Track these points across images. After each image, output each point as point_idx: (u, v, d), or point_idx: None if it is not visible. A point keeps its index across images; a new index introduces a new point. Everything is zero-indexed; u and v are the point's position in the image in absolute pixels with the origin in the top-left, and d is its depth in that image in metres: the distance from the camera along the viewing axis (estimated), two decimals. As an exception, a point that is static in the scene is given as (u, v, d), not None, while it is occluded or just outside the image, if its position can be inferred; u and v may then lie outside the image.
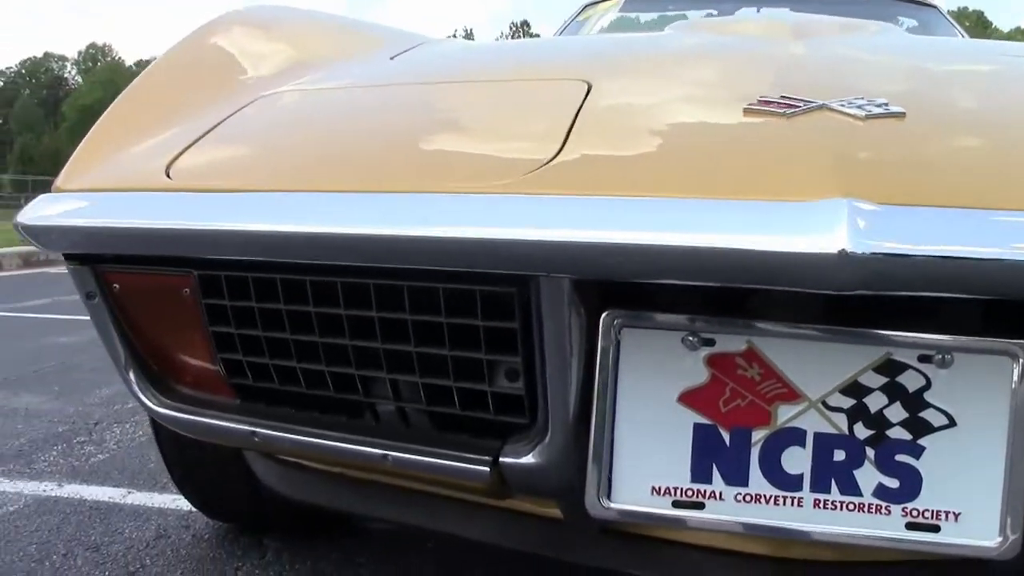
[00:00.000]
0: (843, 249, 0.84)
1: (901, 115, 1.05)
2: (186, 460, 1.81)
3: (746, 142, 1.03)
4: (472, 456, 1.12)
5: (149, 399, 1.32)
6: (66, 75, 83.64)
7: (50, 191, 1.28)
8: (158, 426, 1.80)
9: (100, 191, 1.23)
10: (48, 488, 2.31)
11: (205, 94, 1.46)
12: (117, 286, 1.27)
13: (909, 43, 1.79)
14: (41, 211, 1.24)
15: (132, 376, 1.32)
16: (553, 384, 1.04)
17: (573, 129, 1.08)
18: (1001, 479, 0.99)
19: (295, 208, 1.08)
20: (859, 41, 1.59)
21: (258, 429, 1.25)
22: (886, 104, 1.06)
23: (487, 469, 1.11)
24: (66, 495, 2.27)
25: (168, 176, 1.20)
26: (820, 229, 0.85)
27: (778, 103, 1.07)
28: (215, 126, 1.31)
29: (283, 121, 1.35)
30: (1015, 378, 0.97)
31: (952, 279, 0.87)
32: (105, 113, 1.41)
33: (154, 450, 2.54)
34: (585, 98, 1.18)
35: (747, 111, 1.07)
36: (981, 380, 0.99)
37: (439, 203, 1.00)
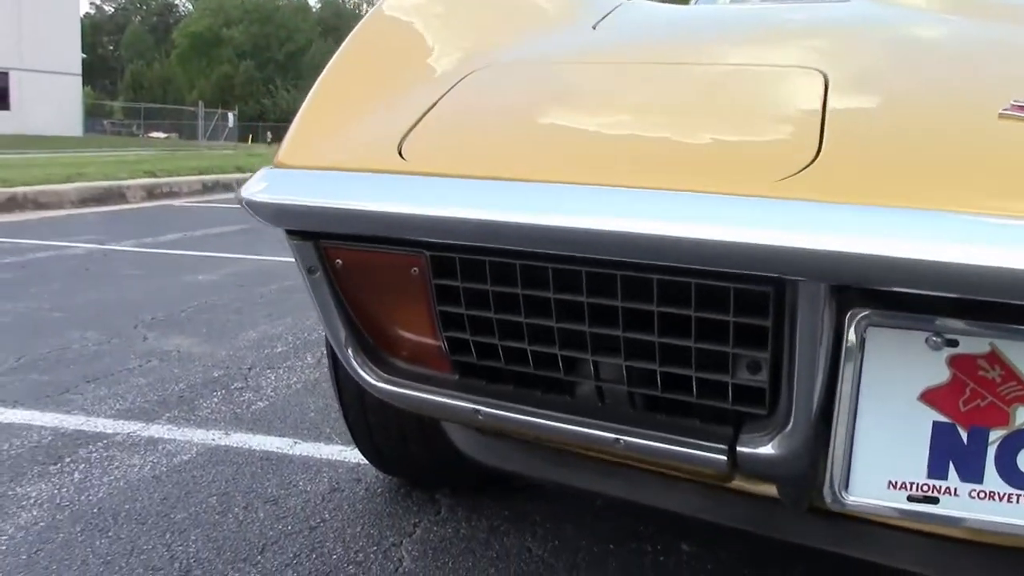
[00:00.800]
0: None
1: None
2: (368, 421, 1.88)
3: (1007, 152, 1.04)
4: (708, 444, 1.16)
5: (368, 374, 1.37)
6: (176, 2, 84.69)
7: (272, 165, 1.31)
8: (341, 387, 1.87)
9: (332, 169, 1.25)
10: (216, 437, 2.41)
11: (412, 67, 1.47)
12: (340, 262, 1.29)
13: None
14: (266, 187, 1.25)
15: (350, 351, 1.36)
16: (801, 378, 1.07)
17: (825, 129, 1.09)
18: None
19: (541, 199, 1.09)
20: None
21: (481, 408, 1.30)
22: None
23: (724, 457, 1.14)
24: (234, 444, 2.36)
25: (402, 156, 1.22)
26: None
27: (1029, 107, 1.07)
28: (435, 103, 1.33)
29: (502, 100, 1.36)
30: None
31: None
32: (316, 87, 1.41)
33: (312, 399, 2.66)
34: (826, 93, 1.19)
35: (1003, 115, 1.08)
36: None
37: (702, 203, 1.02)
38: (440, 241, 1.17)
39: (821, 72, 1.24)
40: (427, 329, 1.31)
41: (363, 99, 1.40)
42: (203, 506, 1.99)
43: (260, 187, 1.26)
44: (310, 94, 1.41)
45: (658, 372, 1.16)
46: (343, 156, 1.26)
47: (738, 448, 1.13)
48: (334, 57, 1.47)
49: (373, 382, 1.36)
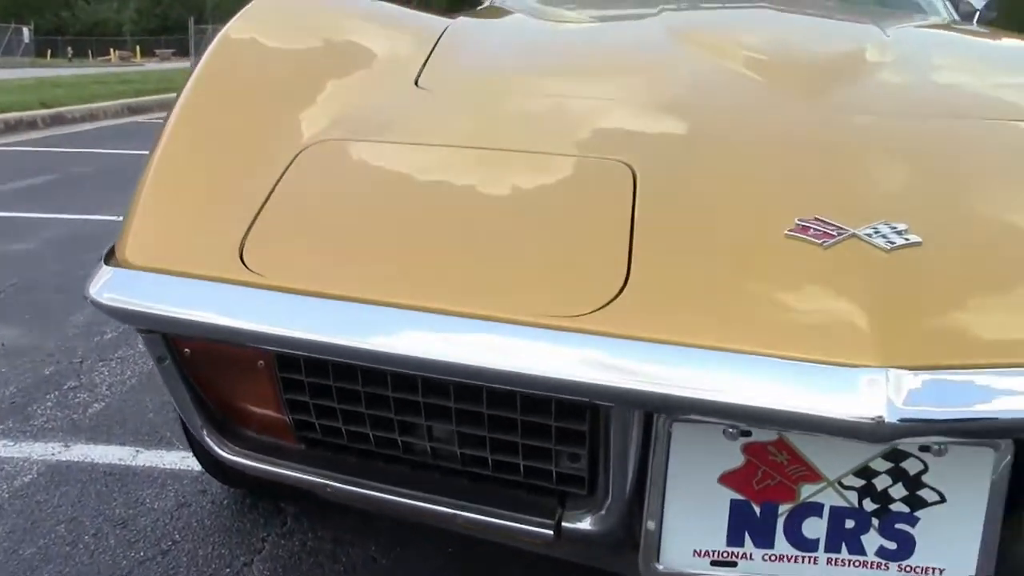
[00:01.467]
0: (880, 418, 1.03)
1: (919, 245, 1.22)
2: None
3: (790, 286, 1.19)
4: (537, 519, 1.31)
5: (221, 448, 1.46)
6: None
7: (115, 259, 1.36)
8: None
9: (177, 274, 1.32)
10: (56, 451, 2.42)
11: (242, 142, 1.54)
12: (188, 351, 1.38)
13: (916, 82, 1.88)
14: (112, 290, 1.31)
15: (204, 431, 1.45)
16: (615, 468, 1.23)
17: (632, 253, 1.23)
18: (977, 543, 1.22)
19: (375, 325, 1.20)
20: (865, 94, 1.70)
21: (329, 481, 1.41)
22: (905, 230, 1.23)
23: (550, 532, 1.30)
24: (76, 459, 2.39)
25: (243, 261, 1.29)
26: (862, 400, 1.03)
27: (814, 230, 1.23)
28: (268, 196, 1.40)
29: (328, 201, 1.44)
30: (994, 464, 1.18)
31: (968, 433, 1.08)
32: (150, 173, 1.45)
33: (149, 396, 2.69)
34: (634, 199, 1.32)
35: (788, 236, 1.23)
36: (968, 466, 1.19)
37: (519, 336, 1.14)
38: None
39: (630, 168, 1.37)
40: (274, 408, 1.40)
41: (198, 185, 1.46)
42: (52, 536, 2.03)
43: (107, 289, 1.32)
44: (145, 181, 1.45)
45: (489, 459, 1.29)
46: (187, 258, 1.33)
47: (563, 523, 1.29)
48: (163, 137, 1.50)
49: (226, 455, 1.46)
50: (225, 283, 1.27)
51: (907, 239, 1.20)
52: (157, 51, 32.66)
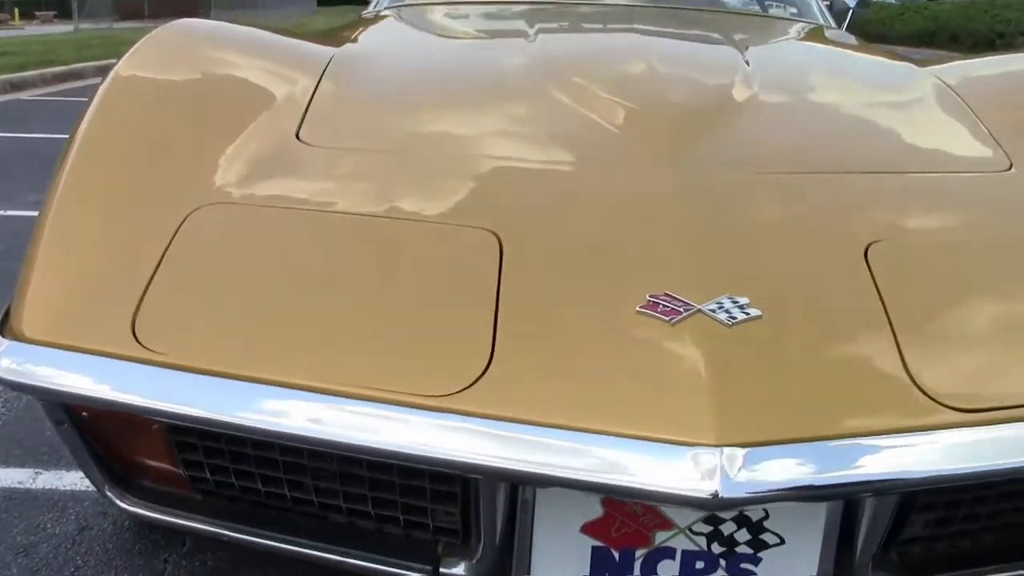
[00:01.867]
0: (716, 493, 1.15)
1: (760, 318, 1.34)
2: None
3: (639, 365, 1.30)
4: (417, 565, 1.42)
5: (122, 501, 1.54)
6: None
7: (12, 333, 1.43)
8: None
9: (68, 349, 1.39)
10: (-50, 474, 2.45)
11: (133, 200, 1.61)
12: (86, 415, 1.46)
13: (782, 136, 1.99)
14: (12, 365, 1.39)
15: (105, 486, 1.53)
16: (485, 523, 1.34)
17: (497, 331, 1.33)
18: (814, 577, 1.37)
19: (256, 403, 1.30)
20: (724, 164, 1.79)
21: (226, 531, 1.50)
22: (746, 304, 1.35)
23: None
24: (-27, 483, 2.41)
25: (135, 336, 1.37)
26: (700, 477, 1.15)
27: (663, 306, 1.34)
28: (159, 264, 1.47)
29: (218, 266, 1.51)
30: (827, 511, 1.32)
31: (794, 499, 1.21)
32: (41, 243, 1.52)
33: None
34: (500, 269, 1.42)
35: (639, 312, 1.34)
36: (804, 513, 1.33)
37: (389, 416, 1.25)
38: None
39: (497, 237, 1.46)
40: (170, 463, 1.49)
41: (88, 253, 1.53)
42: (-48, 571, 2.07)
43: (7, 364, 1.39)
44: (37, 248, 1.52)
45: (372, 513, 1.39)
46: (82, 332, 1.41)
47: (441, 569, 1.39)
48: (53, 200, 1.55)
49: (128, 508, 1.54)
50: (119, 359, 1.34)
51: (748, 313, 1.32)
52: (38, 13, 31.48)
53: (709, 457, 1.17)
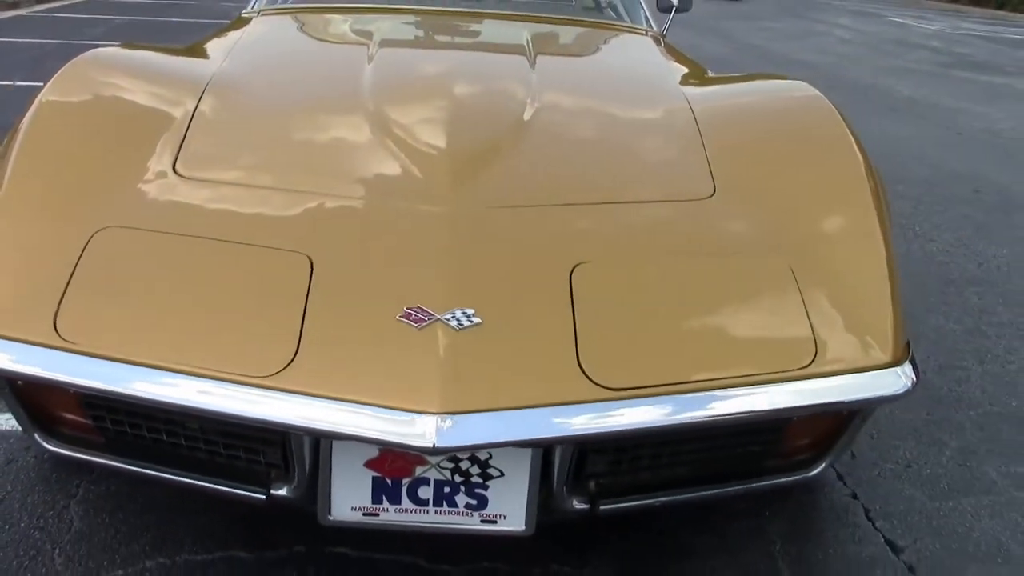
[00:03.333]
0: (434, 444, 1.78)
1: (480, 324, 1.95)
2: None
3: (394, 358, 1.89)
4: (254, 488, 2.05)
5: (47, 443, 2.13)
6: None
7: None
8: None
9: (7, 339, 1.95)
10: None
11: (52, 212, 2.18)
12: (20, 383, 2.04)
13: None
14: None
15: (33, 432, 2.11)
16: (297, 461, 1.96)
17: (304, 330, 1.93)
18: (525, 500, 2.01)
19: (136, 380, 1.88)
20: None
21: (123, 466, 2.10)
22: (472, 314, 1.96)
23: (263, 496, 2.04)
24: (-82, 421, 2.95)
25: (57, 331, 1.93)
26: (424, 435, 1.78)
27: (415, 315, 1.95)
28: (72, 272, 2.03)
29: (114, 277, 2.06)
30: (531, 454, 1.96)
31: (488, 446, 1.84)
32: None
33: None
34: (310, 284, 2.03)
35: (398, 320, 1.95)
36: (515, 455, 1.96)
37: (223, 392, 1.85)
38: None
39: (309, 259, 2.06)
40: (83, 417, 2.07)
41: (16, 255, 2.08)
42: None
43: None
44: None
45: (222, 452, 2.00)
46: (16, 327, 1.95)
47: (271, 491, 2.01)
48: None
49: (51, 448, 2.12)
50: (43, 347, 1.91)
51: (472, 320, 1.93)
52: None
53: (431, 421, 1.79)
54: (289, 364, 1.86)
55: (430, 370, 1.84)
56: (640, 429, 1.88)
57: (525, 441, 1.84)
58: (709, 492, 2.17)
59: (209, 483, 2.06)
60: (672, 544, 2.63)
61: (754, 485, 2.20)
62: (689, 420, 1.90)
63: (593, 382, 1.88)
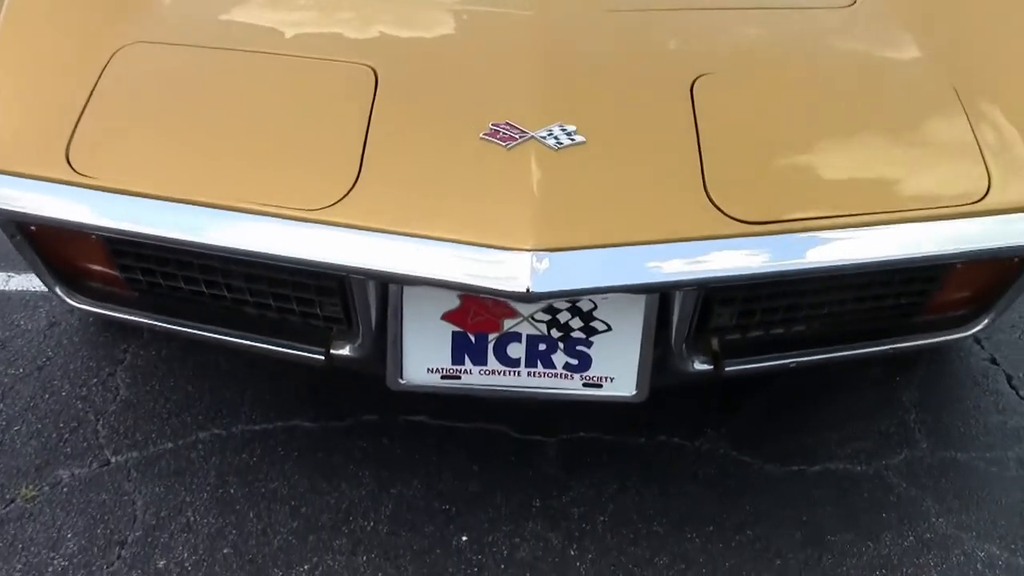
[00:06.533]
0: (528, 288, 1.43)
1: (584, 144, 1.58)
2: None
3: (478, 183, 1.54)
4: (314, 347, 1.73)
5: (70, 299, 1.82)
6: None
7: None
8: None
9: (10, 174, 1.62)
10: (-67, 276, 2.73)
11: (64, 38, 1.83)
12: (34, 228, 1.72)
13: None
14: None
15: (56, 288, 1.80)
16: (361, 313, 1.63)
17: (365, 153, 1.58)
18: (637, 360, 1.66)
19: (170, 219, 1.56)
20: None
21: (156, 322, 1.79)
22: (574, 131, 1.59)
23: (322, 357, 1.72)
24: (-47, 284, 2.70)
25: (70, 164, 1.60)
26: (516, 277, 1.43)
27: (503, 133, 1.58)
28: (89, 98, 1.70)
29: (139, 100, 1.73)
30: (645, 303, 1.60)
31: (590, 292, 1.49)
32: None
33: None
34: (373, 103, 1.66)
35: (482, 139, 1.58)
36: (626, 305, 1.61)
37: (274, 231, 1.52)
38: None
39: (373, 71, 1.69)
40: (109, 267, 1.76)
41: (24, 88, 1.74)
42: (-61, 357, 2.37)
43: None
44: None
45: (272, 304, 1.68)
46: (24, 160, 1.63)
47: (331, 351, 1.69)
48: None
49: (75, 304, 1.82)
50: (55, 183, 1.59)
51: (574, 140, 1.57)
52: None
53: (524, 260, 1.44)
54: (348, 193, 1.53)
55: (522, 198, 1.49)
56: (783, 271, 1.52)
57: (640, 286, 1.49)
58: (850, 352, 1.80)
59: (259, 343, 1.76)
60: (790, 415, 2.31)
61: (903, 345, 1.83)
62: (841, 263, 1.54)
63: (724, 214, 1.52)
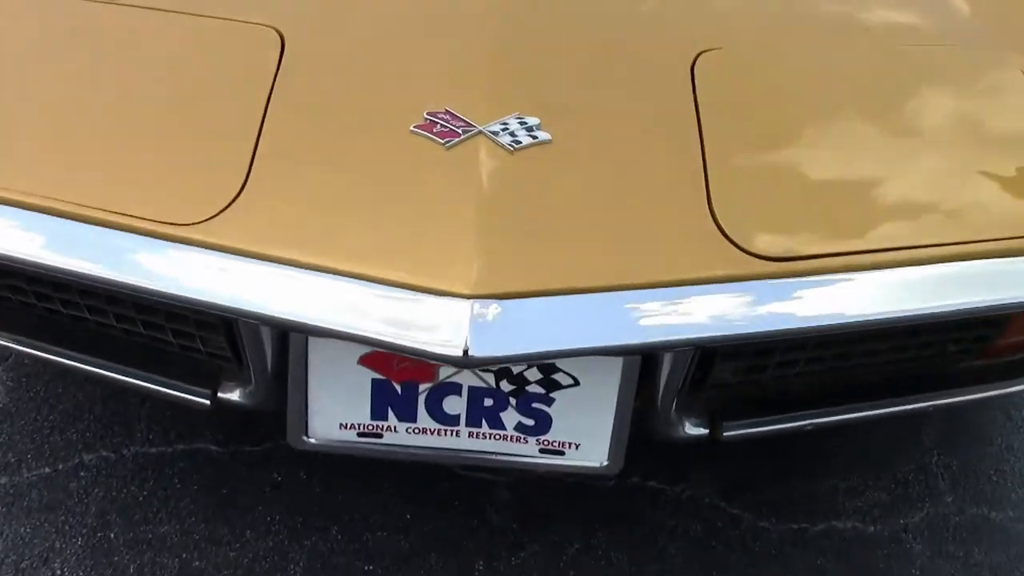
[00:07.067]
0: (466, 351, 1.03)
1: (549, 143, 1.18)
2: None
3: (401, 198, 1.13)
4: (198, 389, 1.34)
5: None
6: None
7: None
8: None
9: None
10: None
11: None
12: None
13: None
14: None
15: None
16: (251, 356, 1.24)
17: (257, 151, 1.17)
18: (611, 423, 1.28)
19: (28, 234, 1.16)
20: None
21: (17, 346, 1.40)
22: (536, 126, 1.18)
23: (207, 401, 1.33)
24: None
25: None
26: (450, 334, 1.03)
27: (441, 125, 1.18)
28: None
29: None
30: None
31: (552, 356, 1.09)
32: None
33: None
34: (276, 73, 1.25)
35: (413, 132, 1.18)
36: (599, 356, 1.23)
37: (126, 250, 1.12)
38: None
39: (279, 33, 1.28)
40: None
41: None
42: None
43: None
44: None
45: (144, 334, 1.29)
46: None
47: (219, 394, 1.30)
48: None
49: None
50: None
51: (535, 137, 1.17)
52: None
53: (462, 310, 1.05)
54: (230, 204, 1.14)
55: (463, 219, 1.10)
56: (815, 328, 1.13)
57: (621, 348, 1.10)
58: (883, 411, 1.42)
59: (132, 377, 1.35)
60: (789, 457, 1.94)
61: (949, 401, 1.45)
62: (893, 315, 1.15)
63: (737, 246, 1.15)
